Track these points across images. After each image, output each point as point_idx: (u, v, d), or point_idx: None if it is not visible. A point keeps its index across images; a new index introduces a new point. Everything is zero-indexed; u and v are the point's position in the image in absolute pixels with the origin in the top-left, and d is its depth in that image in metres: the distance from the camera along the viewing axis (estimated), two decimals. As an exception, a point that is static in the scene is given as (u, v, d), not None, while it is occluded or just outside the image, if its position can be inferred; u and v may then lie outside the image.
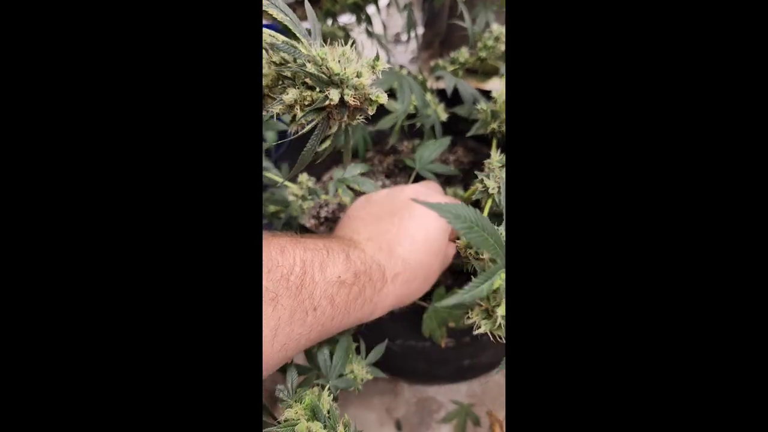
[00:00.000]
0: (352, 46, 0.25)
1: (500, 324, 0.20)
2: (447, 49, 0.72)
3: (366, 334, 0.39)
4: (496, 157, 0.36)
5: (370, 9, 0.70)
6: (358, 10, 0.62)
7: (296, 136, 0.26)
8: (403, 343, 0.64)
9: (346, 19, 0.70)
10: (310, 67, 0.23)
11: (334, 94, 0.23)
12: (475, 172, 0.37)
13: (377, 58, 0.24)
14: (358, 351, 0.33)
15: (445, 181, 0.70)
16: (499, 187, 0.35)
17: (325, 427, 0.23)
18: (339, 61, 0.23)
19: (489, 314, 0.20)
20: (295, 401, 0.25)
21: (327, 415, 0.24)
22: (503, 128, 0.42)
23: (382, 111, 0.59)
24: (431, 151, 0.52)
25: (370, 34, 0.67)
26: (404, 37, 0.64)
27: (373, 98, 0.24)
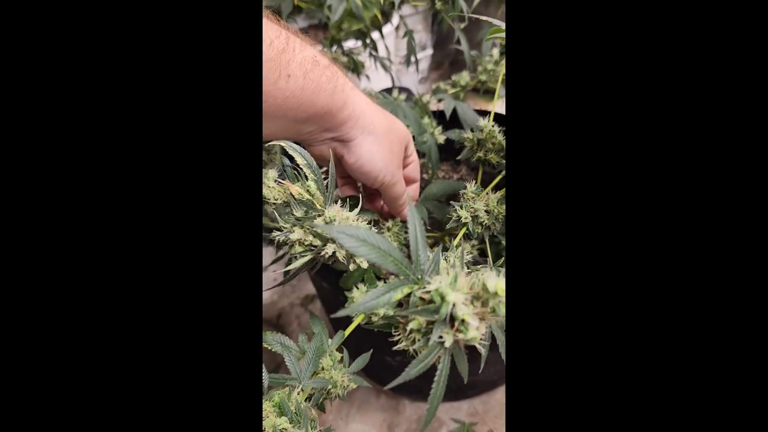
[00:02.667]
0: (357, 215, 0.31)
1: (415, 339, 0.21)
2: (457, 69, 0.74)
3: (362, 346, 0.41)
4: (471, 188, 0.38)
5: (375, 35, 0.73)
6: (363, 36, 0.65)
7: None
8: (403, 360, 0.65)
9: (352, 43, 0.73)
10: (319, 222, 0.29)
11: (329, 249, 0.29)
12: (451, 202, 0.39)
13: (371, 226, 0.31)
14: (342, 360, 0.34)
15: (446, 199, 0.71)
16: (472, 217, 0.37)
17: (291, 422, 0.25)
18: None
19: (405, 331, 0.22)
20: (266, 400, 0.27)
21: (294, 411, 0.25)
22: (489, 156, 0.44)
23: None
24: (438, 188, 0.54)
25: (375, 58, 0.70)
26: (407, 61, 0.67)
27: (358, 261, 0.30)
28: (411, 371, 0.20)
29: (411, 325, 0.21)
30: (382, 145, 0.38)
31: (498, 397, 0.75)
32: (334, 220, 0.29)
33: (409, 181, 0.47)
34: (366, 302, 0.20)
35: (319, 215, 0.30)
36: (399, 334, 0.22)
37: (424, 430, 0.21)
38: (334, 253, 0.29)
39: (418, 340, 0.21)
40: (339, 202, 0.32)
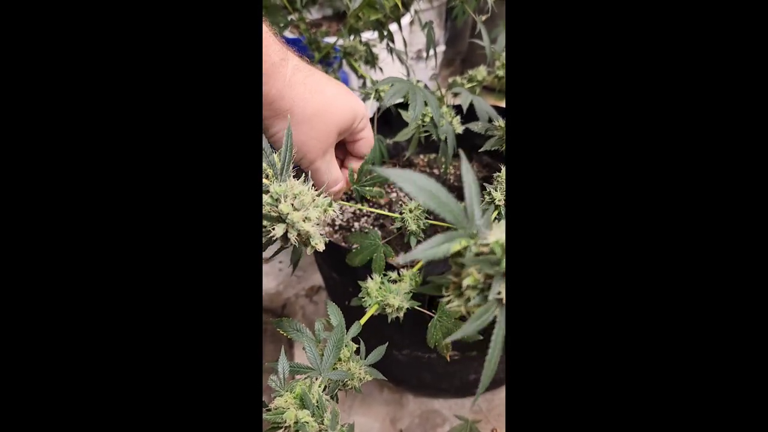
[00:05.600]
0: (312, 187, 0.27)
1: (470, 297, 0.20)
2: (468, 67, 0.74)
3: (371, 340, 0.40)
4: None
5: (393, 26, 0.73)
6: (381, 27, 0.64)
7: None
8: (410, 354, 0.65)
9: (369, 35, 0.72)
10: (266, 200, 0.26)
11: (279, 230, 0.26)
12: (484, 184, 0.38)
13: (330, 204, 0.27)
14: (357, 352, 0.34)
15: (458, 196, 0.71)
16: (505, 199, 0.36)
17: (313, 415, 0.25)
18: (293, 203, 0.25)
19: (460, 291, 0.20)
20: (286, 391, 0.26)
21: (315, 404, 0.25)
22: None
23: (397, 124, 0.61)
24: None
25: (391, 50, 0.69)
26: (425, 54, 0.66)
27: (312, 243, 0.26)
28: (469, 328, 0.19)
29: (466, 281, 0.20)
30: (297, 132, 0.38)
31: (502, 395, 0.75)
32: (285, 196, 0.26)
33: (356, 158, 0.47)
34: (424, 250, 0.19)
35: (265, 192, 0.27)
36: (449, 295, 0.21)
37: (480, 393, 0.20)
38: (285, 234, 0.26)
39: (473, 297, 0.20)
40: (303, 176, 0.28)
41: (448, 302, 0.21)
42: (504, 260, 0.18)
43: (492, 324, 0.20)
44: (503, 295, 0.19)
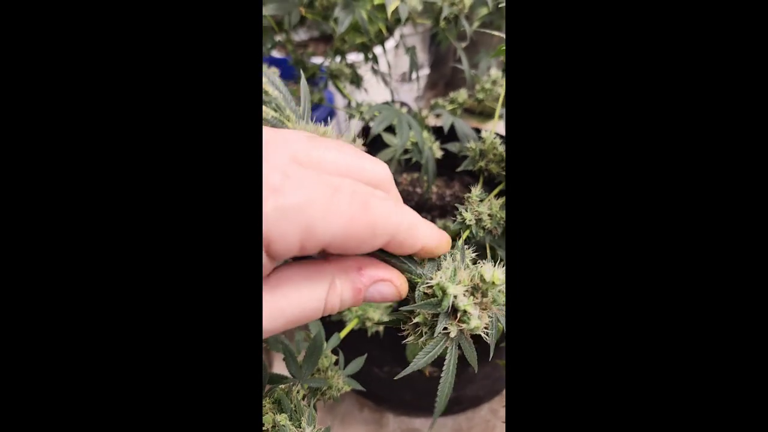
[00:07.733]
0: (333, 128, 0.26)
1: (422, 333, 0.22)
2: (452, 90, 0.76)
3: (349, 354, 0.41)
4: (476, 192, 0.39)
5: (378, 49, 0.75)
6: (366, 49, 0.66)
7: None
8: (390, 371, 0.65)
9: (354, 57, 0.75)
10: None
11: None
12: (456, 205, 0.40)
13: (359, 135, 0.27)
14: (337, 363, 0.34)
15: (439, 214, 0.72)
16: (476, 220, 0.38)
17: (290, 419, 0.25)
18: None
19: (416, 326, 0.22)
20: (264, 396, 0.27)
21: (293, 408, 0.26)
22: (490, 166, 0.45)
23: (381, 144, 0.63)
24: None
25: (375, 72, 0.71)
26: (409, 77, 0.68)
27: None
28: (419, 362, 0.21)
29: (417, 319, 0.22)
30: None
31: (483, 413, 0.75)
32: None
33: None
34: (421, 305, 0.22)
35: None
36: (407, 330, 0.23)
37: (436, 418, 0.21)
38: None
39: (425, 333, 0.22)
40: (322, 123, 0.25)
41: (407, 335, 0.23)
42: (446, 301, 0.20)
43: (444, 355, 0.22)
44: (450, 330, 0.21)
